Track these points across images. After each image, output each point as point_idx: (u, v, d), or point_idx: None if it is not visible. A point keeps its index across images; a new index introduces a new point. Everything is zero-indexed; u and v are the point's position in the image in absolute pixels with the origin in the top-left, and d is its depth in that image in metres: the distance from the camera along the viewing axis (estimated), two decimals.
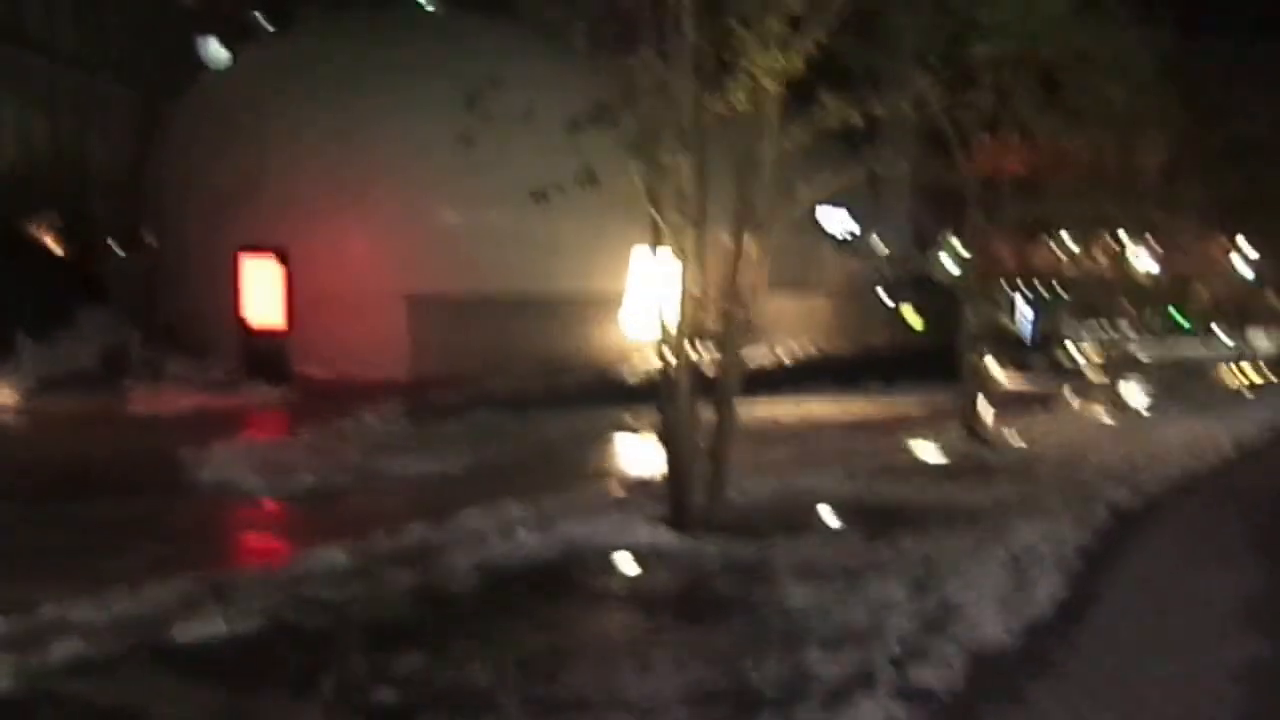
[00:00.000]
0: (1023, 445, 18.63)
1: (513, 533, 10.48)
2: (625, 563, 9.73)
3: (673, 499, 11.05)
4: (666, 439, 11.13)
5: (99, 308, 24.71)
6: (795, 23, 10.58)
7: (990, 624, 7.93)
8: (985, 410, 19.77)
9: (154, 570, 8.74)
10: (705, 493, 11.05)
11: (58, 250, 27.10)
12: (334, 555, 9.67)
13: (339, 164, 22.08)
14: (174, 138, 25.74)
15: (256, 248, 20.20)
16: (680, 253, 10.69)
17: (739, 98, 10.34)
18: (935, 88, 12.62)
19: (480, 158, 22.59)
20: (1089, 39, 16.84)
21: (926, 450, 16.91)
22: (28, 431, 16.24)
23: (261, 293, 19.99)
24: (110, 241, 26.81)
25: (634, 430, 17.87)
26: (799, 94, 11.04)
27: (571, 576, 9.34)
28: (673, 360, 10.92)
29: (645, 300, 25.65)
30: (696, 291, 10.88)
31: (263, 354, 19.81)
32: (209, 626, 7.52)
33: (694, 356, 11.08)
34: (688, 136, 10.59)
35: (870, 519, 12.00)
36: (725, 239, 11.09)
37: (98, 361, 21.21)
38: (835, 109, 10.82)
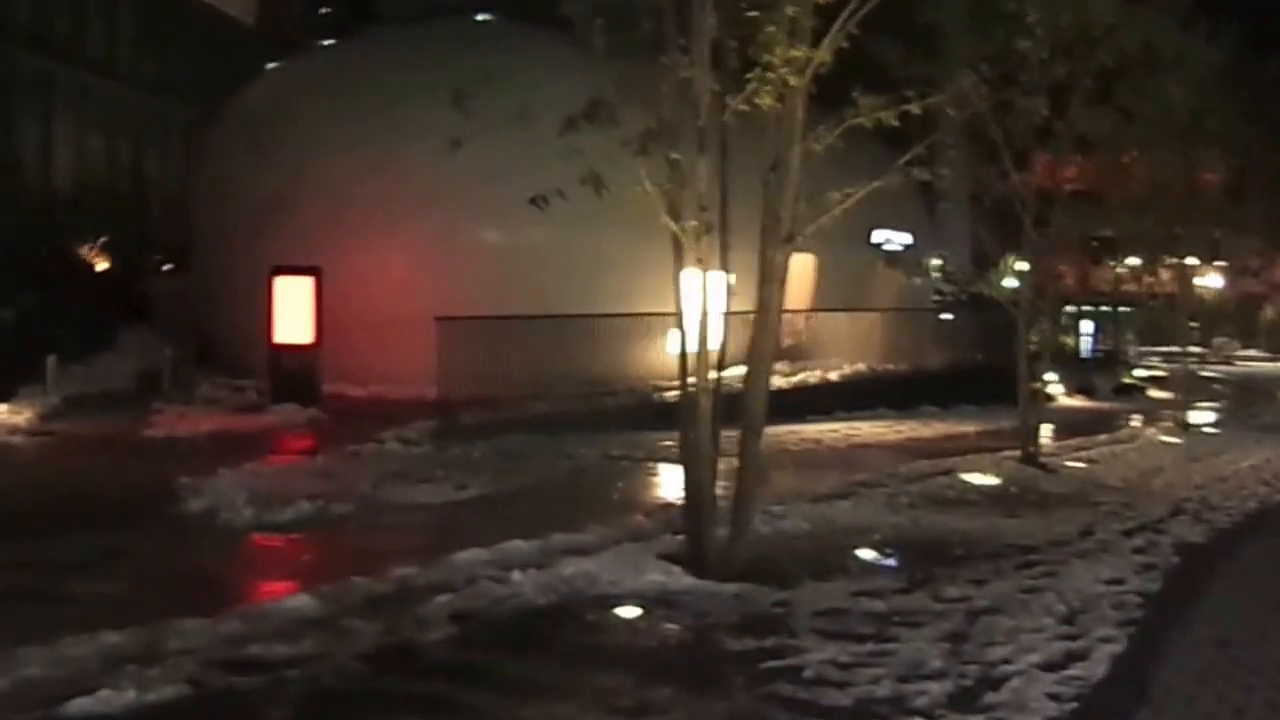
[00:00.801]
0: (1083, 471, 17.07)
1: (508, 575, 9.17)
2: (626, 613, 8.40)
3: (690, 537, 9.72)
4: (685, 468, 9.78)
5: (144, 328, 23.87)
6: (822, 10, 9.24)
7: (1036, 700, 6.49)
8: (1043, 434, 18.27)
9: (91, 620, 7.52)
10: (727, 529, 9.66)
11: (106, 270, 26.38)
12: (299, 602, 8.43)
13: (374, 182, 21.01)
14: (210, 153, 24.79)
15: (289, 267, 19.13)
16: (698, 264, 9.33)
17: (761, 94, 8.98)
18: (979, 86, 11.12)
19: (519, 175, 21.69)
20: (1146, 33, 15.29)
21: (979, 477, 15.40)
22: (30, 456, 15.19)
23: (292, 312, 18.90)
24: (159, 260, 25.99)
25: (673, 457, 16.47)
26: (829, 93, 9.66)
27: (561, 629, 8.03)
28: (692, 381, 9.54)
29: (695, 320, 24.43)
30: (707, 310, 9.48)
31: (292, 374, 18.69)
32: (117, 696, 6.28)
33: (714, 376, 9.66)
34: (704, 136, 9.25)
35: (911, 557, 10.62)
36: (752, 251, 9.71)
37: (133, 382, 20.25)
38: (868, 108, 9.42)
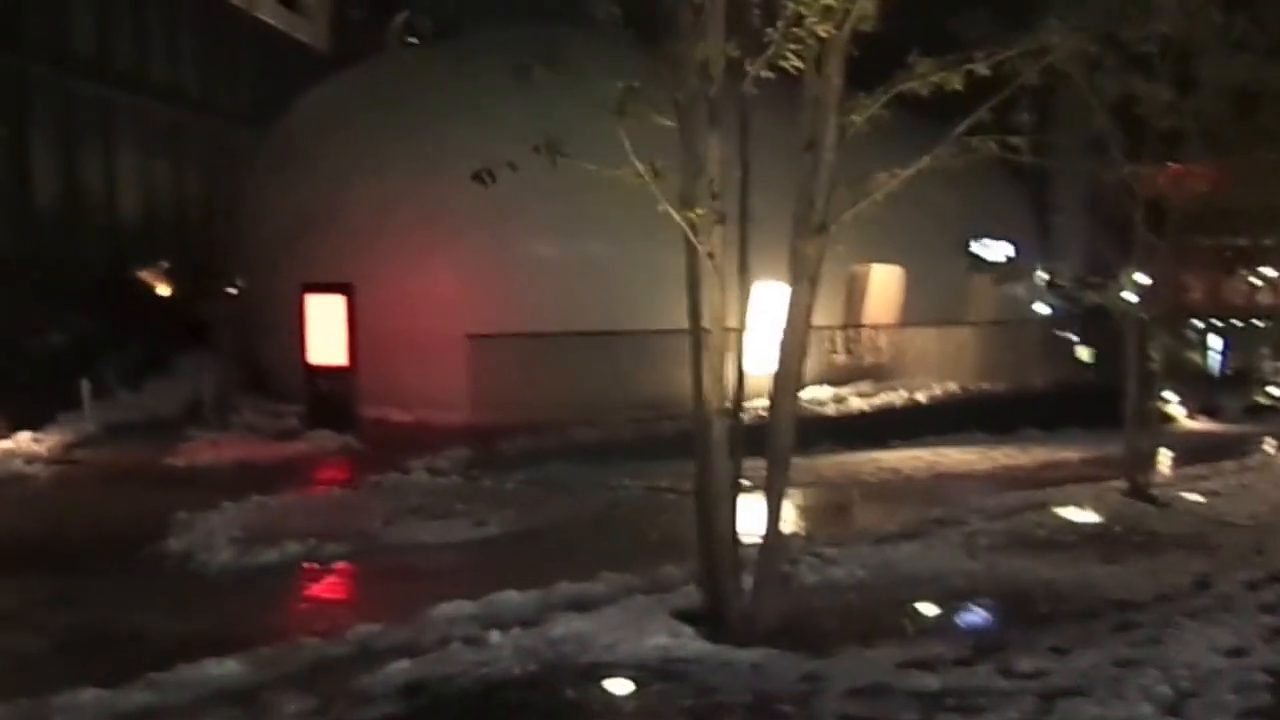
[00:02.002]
0: (1201, 505, 15.25)
1: (487, 635, 7.84)
2: (614, 687, 7.00)
3: (706, 591, 8.29)
4: (698, 509, 8.37)
5: (204, 353, 23.18)
6: None
7: None
8: (1157, 462, 16.53)
9: None
10: (751, 583, 8.22)
11: (168, 295, 25.97)
12: (225, 669, 7.22)
13: (421, 197, 19.86)
14: (256, 173, 23.99)
15: (319, 284, 18.13)
16: (709, 259, 7.92)
17: (786, 53, 7.55)
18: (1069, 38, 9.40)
19: (572, 189, 20.34)
20: None
21: (1076, 512, 13.72)
22: (37, 487, 14.69)
23: (325, 333, 17.88)
24: (222, 284, 25.43)
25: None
26: (875, 58, 8.18)
27: (528, 709, 6.66)
28: (709, 407, 8.13)
29: (766, 336, 22.96)
30: (720, 314, 8.07)
31: (327, 399, 17.71)
32: None
33: (730, 401, 8.24)
34: (716, 108, 7.85)
35: (981, 616, 9.08)
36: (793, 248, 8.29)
37: (183, 408, 19.53)
38: (924, 71, 7.93)
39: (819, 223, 7.98)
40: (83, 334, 20.79)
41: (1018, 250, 30.45)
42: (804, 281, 8.18)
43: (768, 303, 20.80)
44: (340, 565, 10.42)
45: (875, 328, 25.53)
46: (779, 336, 8.31)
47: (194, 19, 31.25)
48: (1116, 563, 11.29)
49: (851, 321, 25.23)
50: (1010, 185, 31.94)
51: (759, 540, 8.42)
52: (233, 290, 25.11)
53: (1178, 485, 16.78)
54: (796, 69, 7.63)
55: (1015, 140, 8.17)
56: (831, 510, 13.93)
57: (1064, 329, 33.34)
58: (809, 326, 8.28)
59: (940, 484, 16.87)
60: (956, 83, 7.87)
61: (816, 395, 22.37)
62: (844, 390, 22.90)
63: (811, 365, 22.80)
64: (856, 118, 7.87)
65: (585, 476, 15.05)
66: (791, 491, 15.56)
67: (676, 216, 7.77)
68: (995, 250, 29.10)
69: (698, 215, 7.72)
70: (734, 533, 8.21)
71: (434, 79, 21.87)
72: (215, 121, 31.85)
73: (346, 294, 17.82)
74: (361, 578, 10.12)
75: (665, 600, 8.76)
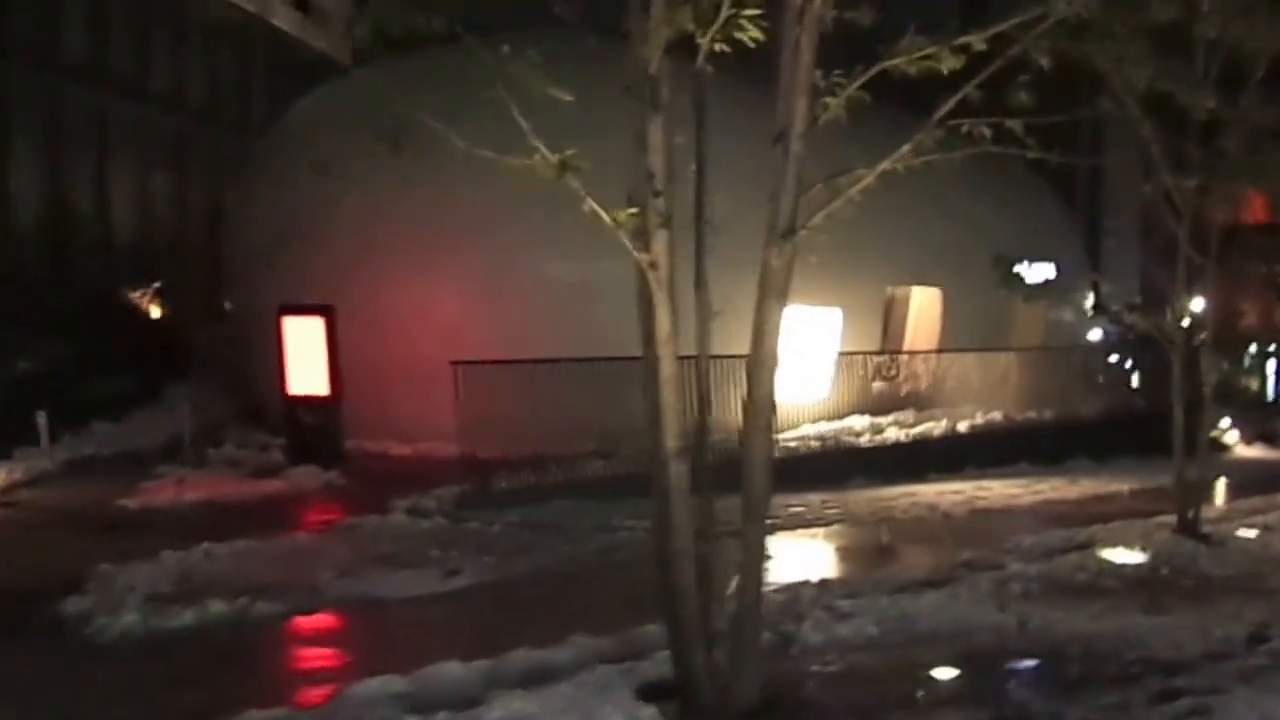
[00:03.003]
0: (1257, 544, 13.79)
1: None
2: None
3: (675, 664, 7.04)
4: (659, 566, 7.15)
5: (198, 380, 22.08)
6: None
7: None
8: (1209, 495, 15.11)
9: None
10: (726, 651, 6.99)
11: (160, 318, 24.61)
12: None
13: (405, 211, 18.64)
14: (246, 185, 22.71)
15: (300, 307, 16.94)
16: (651, 269, 6.72)
17: (742, 24, 6.35)
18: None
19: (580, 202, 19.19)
20: None
21: (1122, 553, 12.36)
22: None
23: (307, 359, 16.67)
24: (216, 306, 24.12)
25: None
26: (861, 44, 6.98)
27: None
28: (663, 447, 6.93)
29: (796, 363, 21.86)
30: (669, 336, 6.85)
31: (311, 431, 16.49)
32: None
33: (682, 435, 7.03)
34: (657, 89, 6.64)
35: (1006, 682, 7.82)
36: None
37: (164, 441, 18.28)
38: (911, 48, 6.70)
39: (785, 226, 6.74)
40: (57, 360, 19.47)
41: (1064, 272, 28.99)
42: (771, 298, 6.94)
43: (795, 327, 19.41)
44: (267, 630, 9.14)
45: (914, 353, 24.16)
46: (750, 364, 7.09)
47: (197, 23, 29.29)
48: (1162, 612, 9.94)
49: (889, 347, 23.89)
50: (1058, 206, 30.52)
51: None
52: (227, 312, 23.85)
53: (1231, 520, 15.33)
54: (755, 40, 6.42)
55: (1013, 125, 6.88)
56: (853, 553, 12.66)
57: (1115, 354, 31.79)
58: (777, 352, 7.02)
59: (977, 521, 15.51)
60: (950, 62, 6.64)
61: (851, 425, 21.07)
62: (881, 419, 21.55)
63: (847, 393, 21.86)
64: (831, 101, 6.64)
65: (585, 517, 13.83)
66: (814, 532, 14.44)
67: (605, 217, 6.55)
68: (1039, 272, 27.63)
69: (627, 216, 6.50)
70: (701, 593, 6.95)
71: (430, 87, 20.64)
72: (221, 132, 30.21)
73: (327, 316, 16.57)
74: (285, 645, 8.88)
75: (635, 671, 7.52)
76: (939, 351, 24.13)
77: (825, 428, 20.52)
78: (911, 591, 10.32)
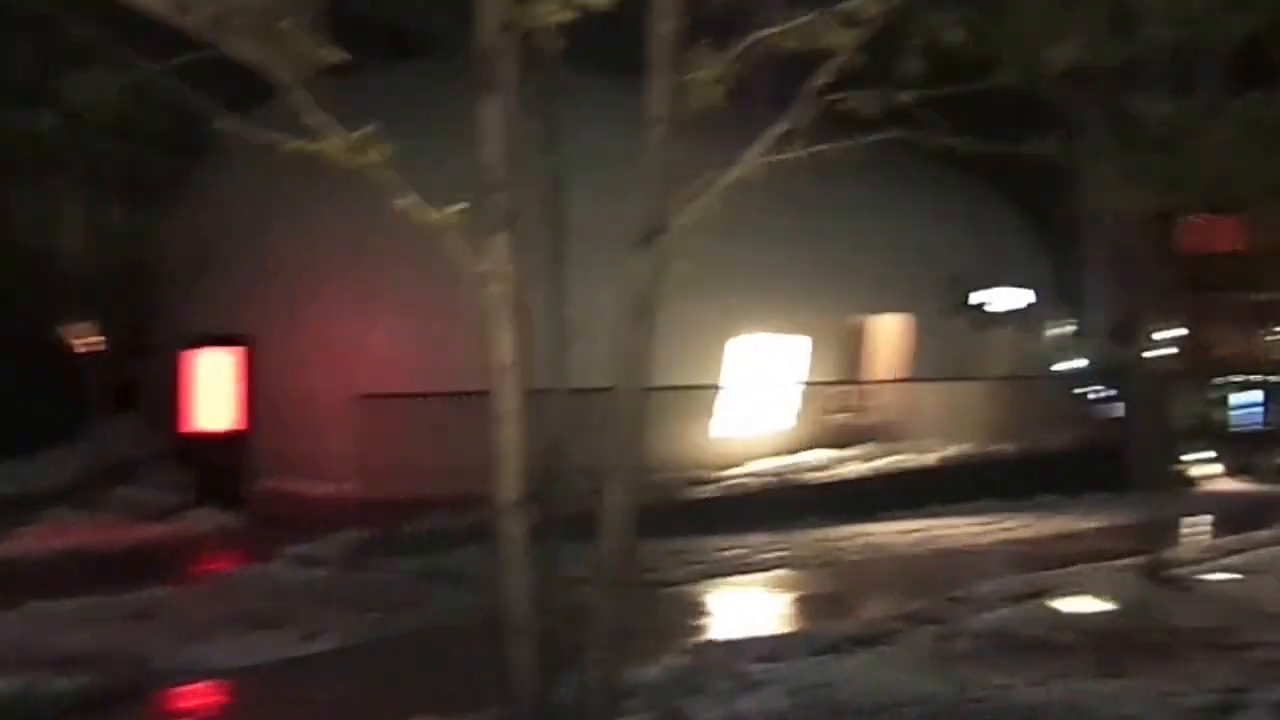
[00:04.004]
0: (1232, 588, 12.55)
1: None
2: None
3: None
4: (501, 636, 5.86)
5: (130, 417, 20.68)
6: None
7: None
8: (1187, 530, 13.87)
9: None
10: None
11: (91, 351, 23.10)
12: None
13: (336, 239, 17.29)
14: (180, 209, 21.34)
15: (208, 337, 15.63)
16: (489, 282, 5.48)
17: None
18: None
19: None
20: None
21: (1082, 602, 11.11)
22: None
23: (214, 393, 15.35)
24: (150, 338, 22.62)
25: (673, 579, 12.42)
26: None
27: None
28: (500, 496, 5.67)
29: (744, 394, 20.61)
30: (510, 362, 5.63)
31: (214, 470, 15.12)
32: None
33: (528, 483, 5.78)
34: (493, 63, 5.42)
35: None
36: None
37: (69, 481, 16.86)
38: (801, 28, 5.47)
39: (649, 227, 5.48)
40: None
41: (1034, 301, 27.81)
42: (642, 319, 5.70)
43: (747, 357, 17.98)
44: (45, 712, 7.63)
45: (878, 383, 22.90)
46: (613, 397, 5.84)
47: (152, 45, 28.14)
48: (1120, 675, 8.65)
49: (851, 377, 22.62)
50: (1028, 234, 29.32)
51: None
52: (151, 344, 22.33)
53: (1205, 561, 14.10)
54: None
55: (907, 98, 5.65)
56: (783, 604, 11.36)
57: (1089, 384, 30.61)
58: (645, 378, 5.77)
59: (932, 564, 14.24)
60: (838, 37, 5.39)
61: (809, 460, 19.80)
62: (840, 454, 20.27)
63: (805, 426, 20.58)
64: (699, 76, 5.39)
65: (495, 564, 12.47)
66: (745, 580, 13.14)
67: (424, 216, 5.32)
68: (1005, 299, 26.45)
69: (451, 215, 5.27)
70: (547, 674, 5.67)
71: (371, 106, 19.35)
72: (155, 155, 28.55)
73: (239, 347, 15.24)
74: None
75: None
76: (903, 381, 22.86)
77: (780, 463, 19.22)
78: (841, 651, 9.04)
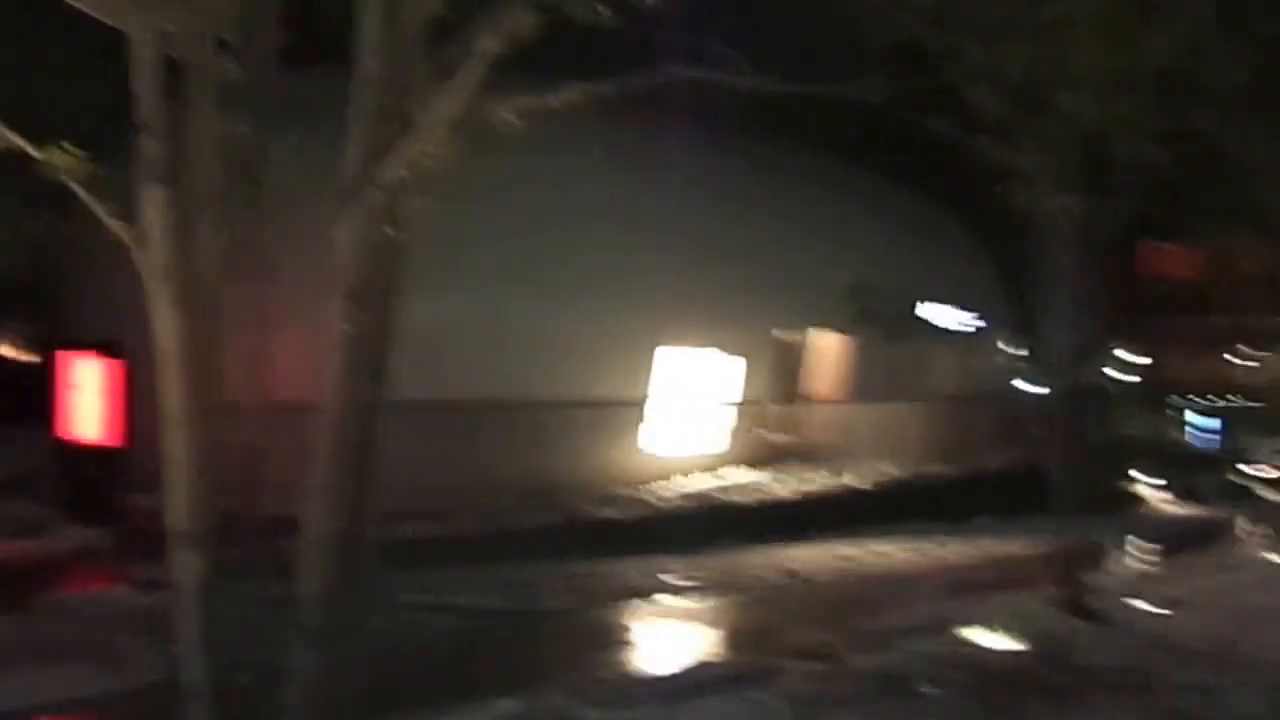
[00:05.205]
0: (1153, 621, 11.44)
1: None
2: None
3: None
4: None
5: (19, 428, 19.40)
6: None
7: None
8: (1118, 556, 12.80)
9: None
10: None
11: (13, 359, 21.90)
12: None
13: (239, 242, 16.09)
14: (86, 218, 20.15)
15: (80, 342, 14.42)
16: (139, 245, 4.35)
17: None
18: None
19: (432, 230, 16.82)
20: None
21: (988, 636, 9.99)
22: None
23: (87, 402, 14.13)
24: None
25: (554, 608, 11.27)
26: None
27: None
28: (175, 532, 4.53)
29: (671, 410, 19.42)
30: (172, 349, 4.50)
31: (91, 484, 13.89)
32: None
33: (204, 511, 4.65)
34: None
35: None
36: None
37: None
38: None
39: (354, 176, 4.36)
40: None
41: (983, 321, 26.75)
42: (353, 298, 4.55)
43: (675, 372, 16.43)
44: None
45: (812, 401, 21.76)
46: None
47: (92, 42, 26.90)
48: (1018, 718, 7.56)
49: (786, 395, 21.46)
50: (977, 251, 28.23)
51: None
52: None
53: (1131, 590, 12.98)
54: None
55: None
56: (656, 637, 10.16)
57: (1034, 406, 29.49)
58: (370, 383, 4.63)
59: (841, 592, 13.12)
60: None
61: (737, 479, 18.63)
62: (770, 474, 19.11)
63: (735, 445, 19.39)
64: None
65: (378, 589, 11.29)
66: (626, 609, 11.96)
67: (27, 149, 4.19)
68: (949, 318, 25.36)
69: (61, 154, 4.14)
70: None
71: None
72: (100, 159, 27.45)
73: (113, 354, 13.98)
74: None
75: None
76: (837, 401, 21.73)
77: (705, 482, 18.06)
78: (703, 694, 7.89)
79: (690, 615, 11.29)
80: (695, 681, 8.15)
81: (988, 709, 7.87)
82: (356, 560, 4.68)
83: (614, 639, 10.16)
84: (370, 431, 4.66)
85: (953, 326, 25.30)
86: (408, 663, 8.83)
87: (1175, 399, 36.71)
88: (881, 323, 14.16)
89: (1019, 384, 30.12)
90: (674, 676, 8.23)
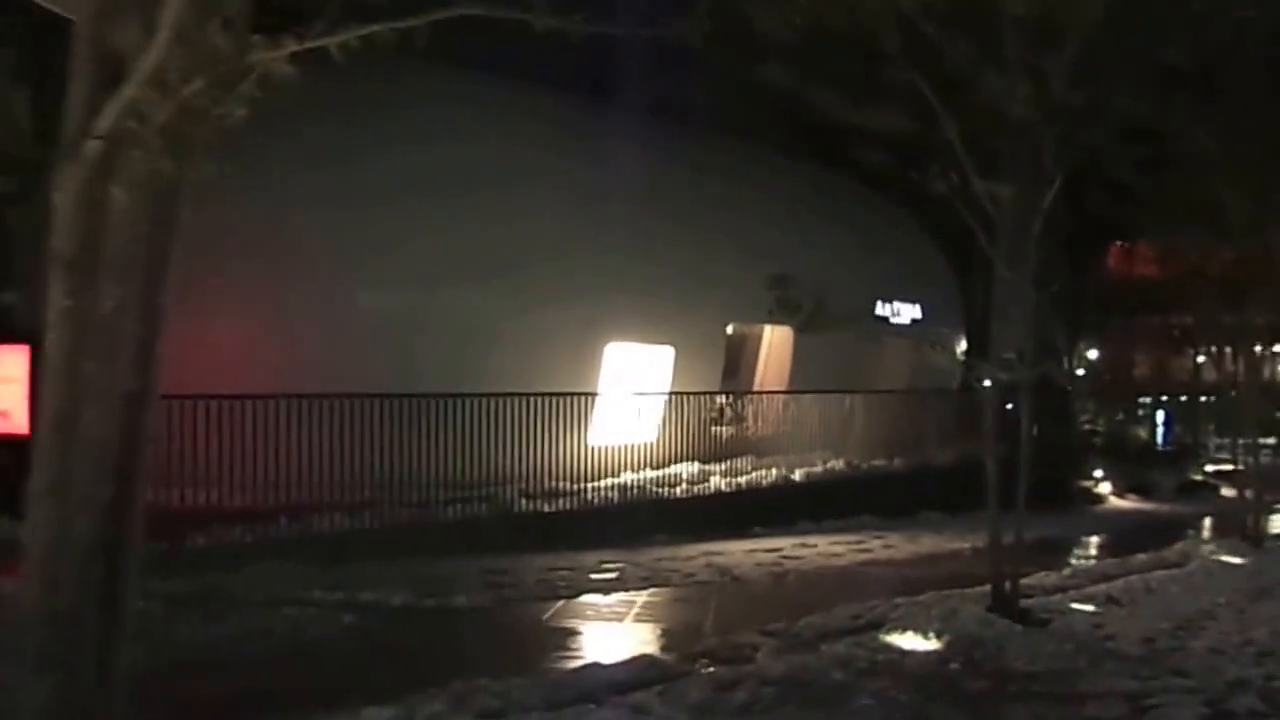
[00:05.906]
0: (1087, 621, 10.88)
1: None
2: None
3: None
4: None
5: None
6: None
7: None
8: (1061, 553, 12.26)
9: None
10: None
11: None
12: None
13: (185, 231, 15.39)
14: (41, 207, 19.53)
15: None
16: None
17: None
18: None
19: (364, 225, 16.25)
20: None
21: (911, 639, 9.42)
22: None
23: (6, 392, 13.44)
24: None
25: (463, 606, 10.64)
26: None
27: None
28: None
29: (614, 403, 18.76)
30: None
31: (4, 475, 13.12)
32: None
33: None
34: None
35: None
36: None
37: None
38: None
39: (73, 129, 3.70)
40: None
41: (936, 316, 26.26)
42: (72, 268, 3.87)
43: (619, 365, 15.77)
44: None
45: (754, 394, 21.18)
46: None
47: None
48: None
49: (733, 388, 20.87)
50: (932, 248, 27.69)
51: None
52: None
53: (1070, 589, 12.48)
54: None
55: None
56: (567, 637, 9.51)
57: (987, 401, 29.00)
58: (106, 367, 3.97)
59: (769, 589, 12.51)
60: None
61: (679, 472, 18.03)
62: (713, 467, 18.52)
63: (677, 438, 18.78)
64: None
65: (283, 584, 10.68)
66: (546, 605, 11.37)
67: None
68: (900, 313, 24.87)
69: None
70: None
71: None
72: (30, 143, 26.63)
73: (29, 345, 13.26)
74: None
75: None
76: (783, 393, 21.14)
77: (645, 475, 17.44)
78: (594, 701, 7.26)
79: (610, 614, 10.66)
80: (585, 688, 7.50)
81: (894, 719, 7.27)
82: (113, 571, 4.02)
83: (521, 639, 9.53)
84: (135, 425, 4.00)
85: (905, 321, 24.83)
86: (282, 665, 8.16)
87: (1136, 396, 36.43)
88: (797, 314, 13.56)
89: (973, 379, 29.74)
90: (561, 684, 7.58)
